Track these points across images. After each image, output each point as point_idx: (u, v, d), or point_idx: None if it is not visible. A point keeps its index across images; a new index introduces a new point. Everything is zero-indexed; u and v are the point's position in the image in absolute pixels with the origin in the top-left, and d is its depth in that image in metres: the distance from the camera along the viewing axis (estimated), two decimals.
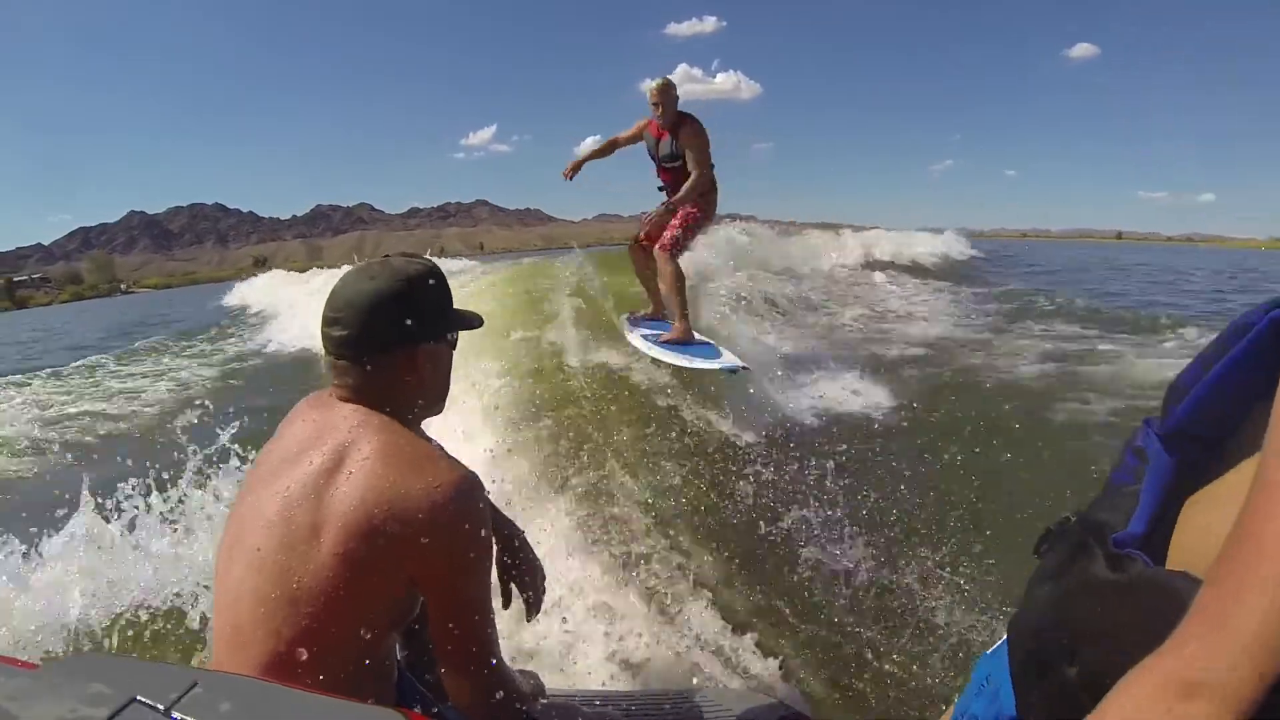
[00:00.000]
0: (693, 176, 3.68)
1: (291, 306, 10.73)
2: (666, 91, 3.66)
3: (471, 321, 1.01)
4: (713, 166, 3.79)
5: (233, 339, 10.33)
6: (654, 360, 3.59)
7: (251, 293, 15.16)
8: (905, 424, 3.86)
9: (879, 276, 11.17)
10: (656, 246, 3.77)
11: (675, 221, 3.76)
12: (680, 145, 3.70)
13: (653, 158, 3.90)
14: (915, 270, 12.81)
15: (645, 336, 3.79)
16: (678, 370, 3.64)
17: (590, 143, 4.28)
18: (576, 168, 4.01)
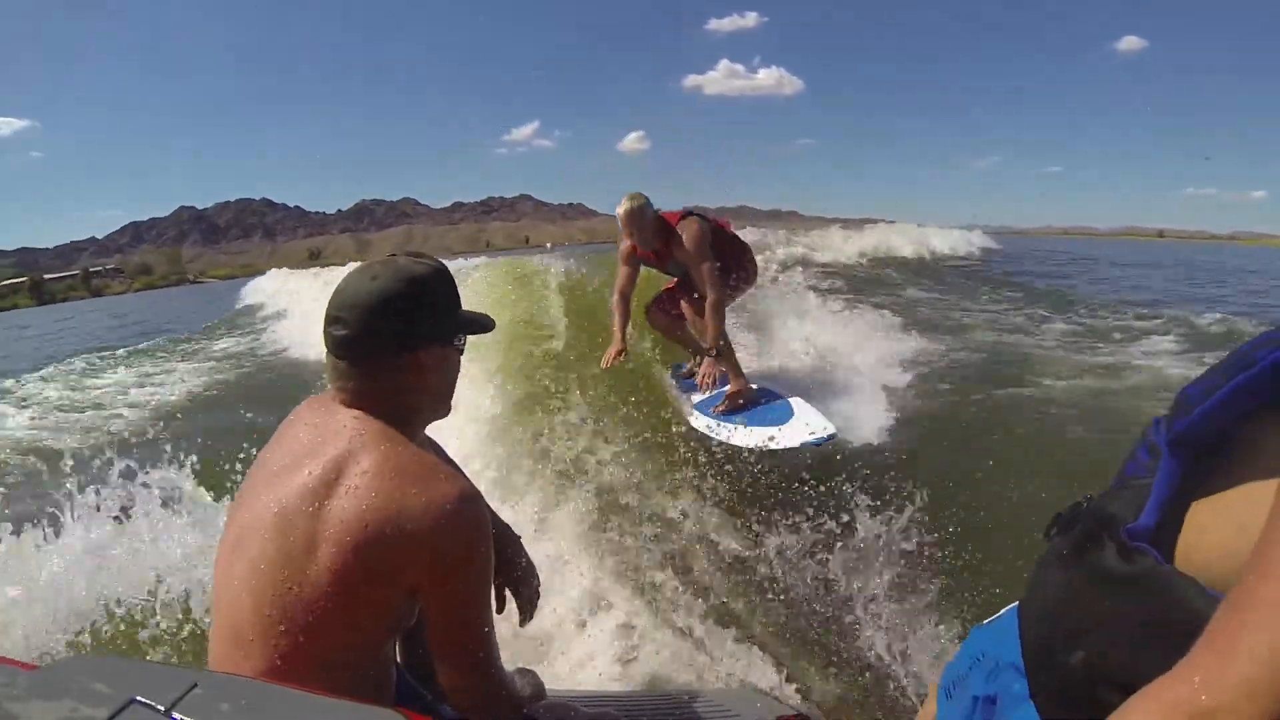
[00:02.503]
0: (710, 300, 2.96)
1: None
2: (635, 218, 2.94)
3: (482, 324, 0.97)
4: (727, 227, 3.16)
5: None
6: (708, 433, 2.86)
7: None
8: (906, 425, 3.75)
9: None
10: (702, 294, 3.04)
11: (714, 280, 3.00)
12: (681, 261, 3.05)
13: (663, 272, 3.28)
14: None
15: (700, 407, 3.11)
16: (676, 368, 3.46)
17: (615, 312, 3.14)
18: (621, 350, 3.09)
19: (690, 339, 3.41)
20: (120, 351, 9.33)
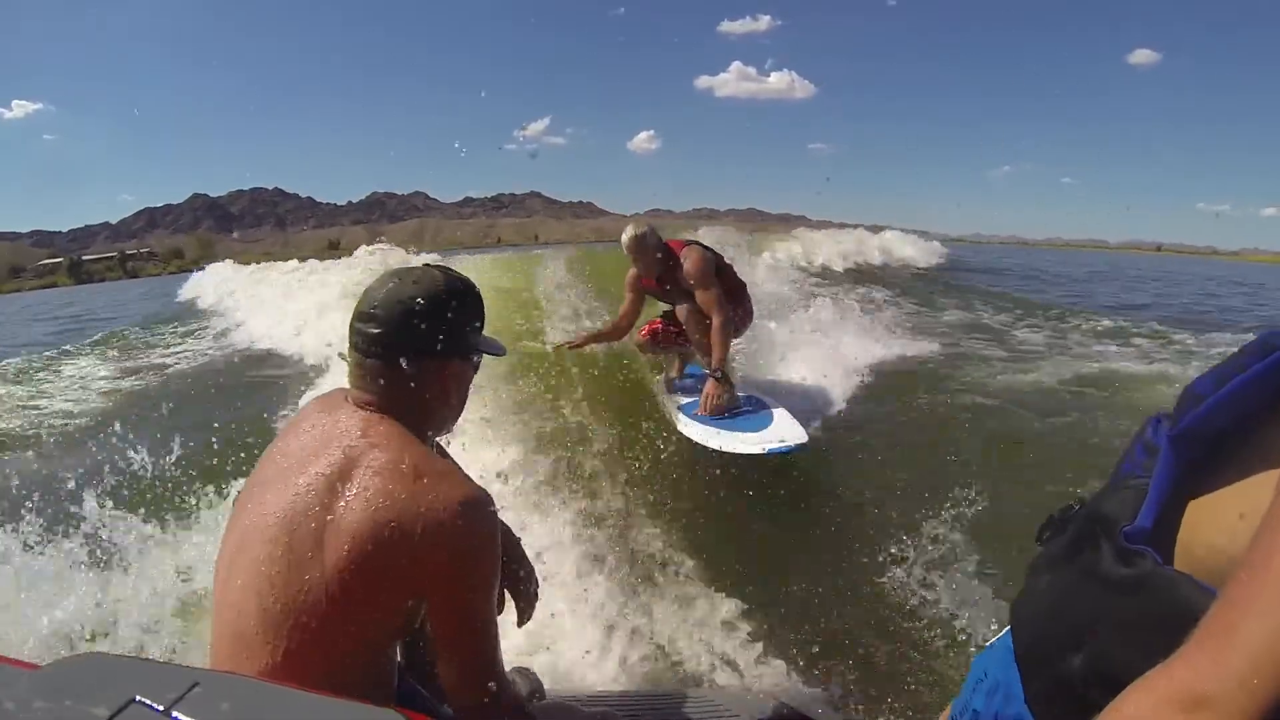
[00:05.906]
0: (716, 322, 2.93)
1: None
2: (639, 247, 2.98)
3: (496, 348, 0.96)
4: (730, 267, 3.18)
5: None
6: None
7: None
8: (904, 425, 3.76)
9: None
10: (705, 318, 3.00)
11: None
12: (684, 287, 3.03)
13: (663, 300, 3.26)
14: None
15: (685, 409, 3.10)
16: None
17: (602, 327, 3.40)
18: (572, 345, 3.28)
19: (681, 355, 3.48)
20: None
